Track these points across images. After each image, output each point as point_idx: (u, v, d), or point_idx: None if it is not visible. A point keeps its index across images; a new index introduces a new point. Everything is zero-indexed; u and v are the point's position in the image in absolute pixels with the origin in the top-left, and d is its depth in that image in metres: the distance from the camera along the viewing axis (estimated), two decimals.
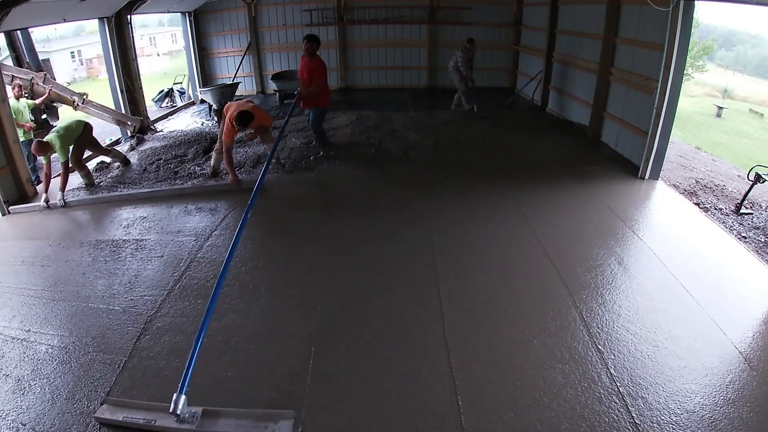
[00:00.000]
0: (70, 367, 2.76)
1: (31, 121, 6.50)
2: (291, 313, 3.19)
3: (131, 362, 2.78)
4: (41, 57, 8.55)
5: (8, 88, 6.01)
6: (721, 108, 20.62)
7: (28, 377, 2.69)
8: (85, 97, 7.11)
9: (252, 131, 5.30)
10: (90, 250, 4.07)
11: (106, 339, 2.97)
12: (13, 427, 2.37)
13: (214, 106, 8.38)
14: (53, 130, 5.17)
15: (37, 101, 6.65)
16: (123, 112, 7.59)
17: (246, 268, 3.71)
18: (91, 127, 5.54)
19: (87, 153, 5.70)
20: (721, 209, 5.21)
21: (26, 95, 6.50)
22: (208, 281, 3.53)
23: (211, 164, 5.66)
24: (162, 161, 6.12)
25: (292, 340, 2.93)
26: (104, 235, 4.34)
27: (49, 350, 2.90)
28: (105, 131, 8.47)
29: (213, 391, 2.55)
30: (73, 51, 26.79)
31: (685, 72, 5.50)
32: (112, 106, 7.65)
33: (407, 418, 2.37)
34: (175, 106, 10.31)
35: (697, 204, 5.23)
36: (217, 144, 5.57)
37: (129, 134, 7.43)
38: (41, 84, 6.87)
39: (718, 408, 2.38)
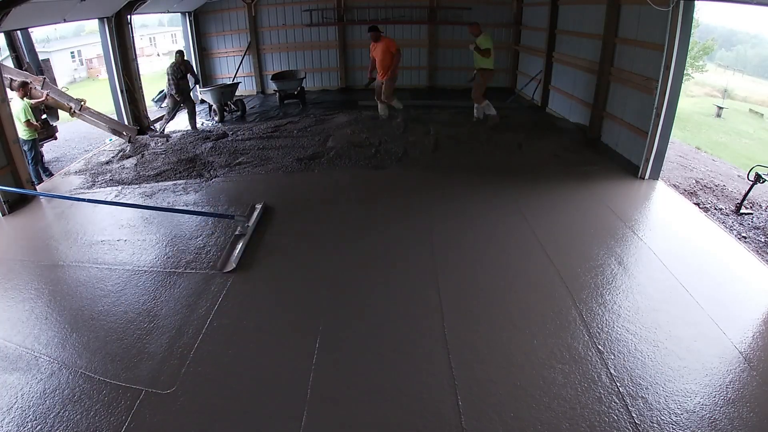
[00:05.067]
0: (67, 373, 2.76)
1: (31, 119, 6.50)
2: (292, 314, 3.19)
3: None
4: (41, 57, 8.51)
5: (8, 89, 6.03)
6: (721, 108, 20.61)
7: (24, 381, 2.69)
8: (83, 103, 7.03)
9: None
10: (90, 250, 4.07)
11: (108, 345, 2.97)
12: (12, 428, 2.37)
13: (214, 106, 8.37)
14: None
15: (32, 102, 6.61)
16: (123, 112, 7.59)
17: (247, 269, 3.71)
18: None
19: None
20: (721, 209, 5.21)
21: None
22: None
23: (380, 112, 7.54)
24: (160, 162, 6.12)
25: (294, 340, 2.93)
26: (104, 235, 4.33)
27: (48, 360, 2.90)
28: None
29: (216, 380, 2.56)
30: (73, 51, 26.74)
31: (685, 72, 5.49)
32: (112, 106, 7.64)
33: (407, 418, 2.37)
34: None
35: (697, 204, 5.24)
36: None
37: (126, 142, 7.42)
38: (38, 88, 6.82)
39: (718, 408, 2.38)
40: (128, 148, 7.06)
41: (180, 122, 8.34)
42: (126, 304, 3.32)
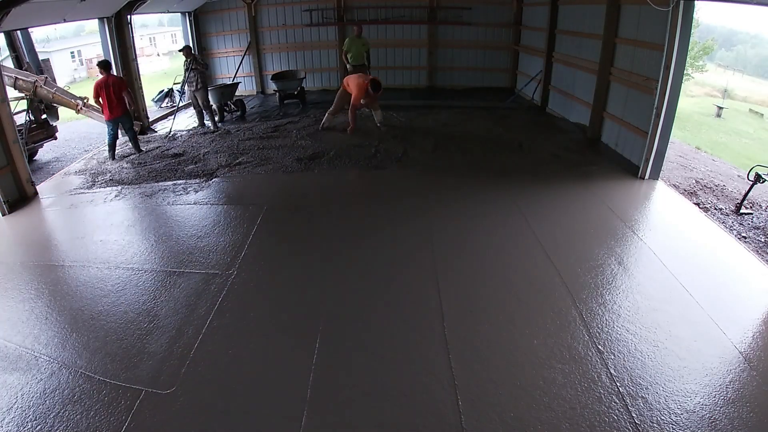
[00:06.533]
0: (67, 373, 2.76)
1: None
2: (292, 314, 3.19)
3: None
4: (41, 57, 8.51)
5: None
6: (721, 108, 20.60)
7: (24, 381, 2.69)
8: (85, 101, 7.08)
9: (370, 96, 6.78)
10: (90, 250, 4.07)
11: (108, 345, 2.97)
12: (11, 428, 2.37)
13: (214, 106, 8.37)
14: None
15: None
16: None
17: (247, 269, 3.71)
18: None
19: None
20: (721, 209, 5.21)
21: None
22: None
23: (323, 123, 7.28)
24: (160, 162, 6.12)
25: (294, 340, 2.93)
26: (104, 235, 4.33)
27: (48, 360, 2.90)
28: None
29: (216, 380, 2.56)
30: (73, 51, 26.72)
31: (685, 72, 5.49)
32: None
33: (407, 418, 2.37)
34: (175, 107, 10.30)
35: (697, 204, 5.23)
36: (332, 107, 7.23)
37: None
38: (45, 87, 6.86)
39: (718, 408, 2.38)
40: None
41: (179, 122, 8.34)
42: (126, 304, 3.32)
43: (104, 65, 6.22)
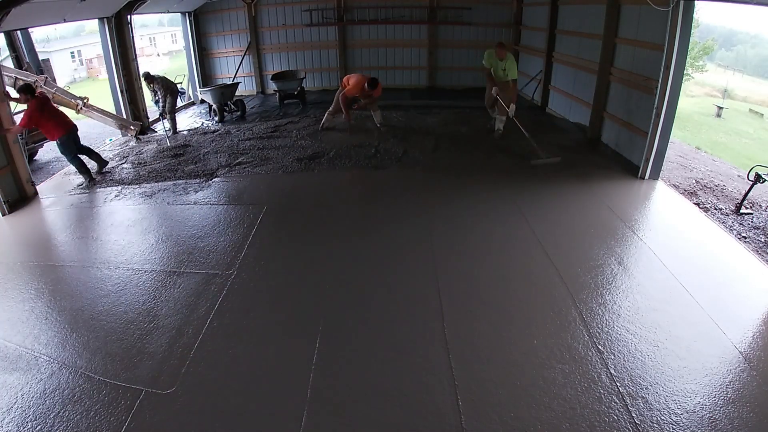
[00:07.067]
0: (67, 373, 2.76)
1: None
2: (292, 314, 3.19)
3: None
4: (41, 57, 8.54)
5: None
6: (721, 108, 20.60)
7: (24, 381, 2.69)
8: (86, 101, 7.09)
9: (370, 96, 6.78)
10: (90, 250, 4.07)
11: (108, 345, 2.97)
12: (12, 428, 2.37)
13: (214, 106, 8.38)
14: None
15: None
16: (123, 112, 7.60)
17: (247, 269, 3.71)
18: None
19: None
20: (721, 209, 5.21)
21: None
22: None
23: (323, 123, 7.28)
24: (160, 162, 6.12)
25: (294, 340, 2.93)
26: (104, 235, 4.33)
27: (48, 360, 2.90)
28: (105, 131, 8.47)
29: (216, 380, 2.56)
30: (73, 51, 26.75)
31: (685, 72, 5.49)
32: (112, 106, 7.65)
33: (407, 418, 2.37)
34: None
35: (697, 204, 5.23)
36: (331, 107, 7.18)
37: (132, 137, 7.42)
38: (45, 87, 6.85)
39: (718, 408, 2.38)
40: (134, 142, 7.12)
41: (179, 122, 8.34)
42: (126, 304, 3.32)
43: (27, 89, 5.27)
